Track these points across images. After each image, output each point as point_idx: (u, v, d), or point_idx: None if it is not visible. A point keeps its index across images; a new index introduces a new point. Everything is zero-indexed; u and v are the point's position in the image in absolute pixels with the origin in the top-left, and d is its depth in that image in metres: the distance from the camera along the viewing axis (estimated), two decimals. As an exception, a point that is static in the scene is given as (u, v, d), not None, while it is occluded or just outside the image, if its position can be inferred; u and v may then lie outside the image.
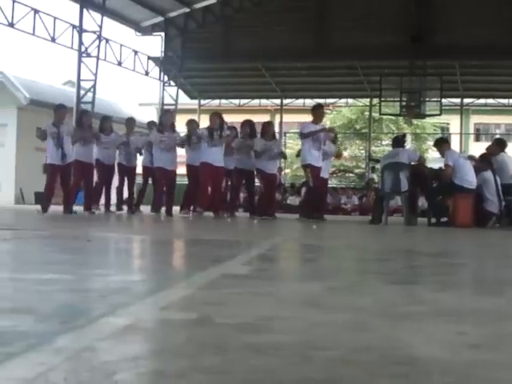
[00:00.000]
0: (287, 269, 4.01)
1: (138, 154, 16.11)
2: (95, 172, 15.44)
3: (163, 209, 14.98)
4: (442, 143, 13.83)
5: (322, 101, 25.87)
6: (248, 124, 15.38)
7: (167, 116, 15.88)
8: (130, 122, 16.73)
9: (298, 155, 14.86)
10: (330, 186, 25.54)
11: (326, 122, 36.90)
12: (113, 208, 16.08)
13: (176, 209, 15.08)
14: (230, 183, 15.43)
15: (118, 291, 2.54)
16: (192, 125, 15.45)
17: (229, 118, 15.60)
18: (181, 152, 15.82)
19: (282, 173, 27.85)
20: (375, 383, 1.35)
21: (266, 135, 15.09)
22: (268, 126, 15.54)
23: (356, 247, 6.61)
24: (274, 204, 15.68)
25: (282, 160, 21.40)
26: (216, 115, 14.70)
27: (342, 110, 39.42)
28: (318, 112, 14.22)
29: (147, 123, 17.23)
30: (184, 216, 14.35)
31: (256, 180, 15.60)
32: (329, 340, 1.73)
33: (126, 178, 16.17)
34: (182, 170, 15.77)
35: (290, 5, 24.67)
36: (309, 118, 14.35)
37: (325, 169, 14.43)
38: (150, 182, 16.45)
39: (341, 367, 1.44)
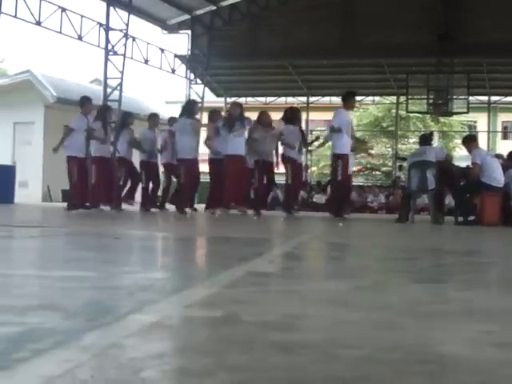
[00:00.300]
0: (313, 267, 4.01)
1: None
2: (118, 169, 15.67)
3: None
4: (470, 141, 13.75)
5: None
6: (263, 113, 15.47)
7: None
8: (154, 118, 16.77)
9: (322, 143, 14.72)
10: (356, 183, 25.51)
11: (353, 119, 36.94)
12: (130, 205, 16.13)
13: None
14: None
15: (144, 288, 2.55)
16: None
17: (255, 116, 15.53)
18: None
19: (308, 170, 27.79)
20: (402, 381, 1.35)
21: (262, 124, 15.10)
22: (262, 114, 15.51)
23: (382, 245, 6.59)
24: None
25: (308, 157, 21.33)
26: (237, 105, 14.78)
27: (368, 108, 39.31)
28: (349, 100, 14.14)
29: (168, 119, 17.22)
30: (211, 213, 14.31)
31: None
32: (355, 338, 1.72)
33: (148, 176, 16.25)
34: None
35: (316, 3, 24.62)
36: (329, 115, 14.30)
37: (351, 163, 14.32)
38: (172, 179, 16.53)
39: (367, 366, 1.44)
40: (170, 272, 3.44)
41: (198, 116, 16.50)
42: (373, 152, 36.22)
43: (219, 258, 4.51)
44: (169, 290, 2.64)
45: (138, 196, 16.53)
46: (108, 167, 15.14)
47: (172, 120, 16.44)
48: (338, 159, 13.47)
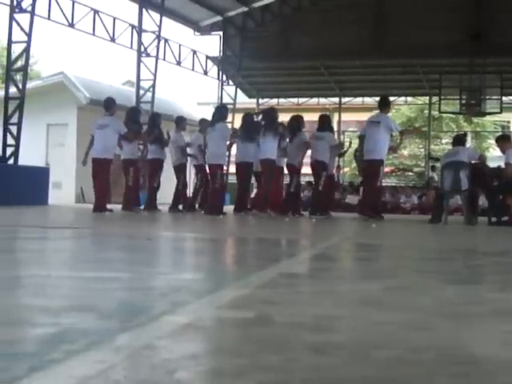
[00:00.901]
0: (345, 268, 4.00)
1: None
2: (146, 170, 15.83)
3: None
4: (504, 140, 13.63)
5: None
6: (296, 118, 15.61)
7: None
8: (182, 121, 16.79)
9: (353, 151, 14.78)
10: (389, 184, 25.41)
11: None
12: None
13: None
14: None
15: (176, 289, 2.56)
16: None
17: (287, 117, 15.64)
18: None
19: (341, 171, 27.72)
20: (434, 383, 1.35)
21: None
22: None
23: (415, 246, 6.56)
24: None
25: (340, 158, 21.39)
26: (275, 110, 15.12)
27: (401, 109, 39.10)
28: (386, 104, 14.21)
29: (199, 121, 17.19)
30: (243, 215, 14.40)
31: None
32: (388, 339, 1.72)
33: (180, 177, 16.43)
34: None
35: (347, 3, 24.54)
36: (367, 115, 14.35)
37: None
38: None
39: (400, 367, 1.44)
40: (202, 273, 3.45)
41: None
42: (404, 152, 36.14)
43: (251, 259, 4.52)
44: (201, 291, 2.65)
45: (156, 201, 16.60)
46: (138, 169, 15.33)
47: (203, 122, 16.43)
48: (379, 166, 13.53)
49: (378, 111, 14.41)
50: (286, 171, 15.47)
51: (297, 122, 15.40)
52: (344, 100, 31.30)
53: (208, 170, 15.43)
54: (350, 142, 18.60)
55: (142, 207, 15.76)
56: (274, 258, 4.23)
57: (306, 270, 3.41)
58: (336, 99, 31.33)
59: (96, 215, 12.49)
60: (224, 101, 27.31)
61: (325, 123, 15.37)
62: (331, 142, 15.16)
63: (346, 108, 31.90)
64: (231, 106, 25.99)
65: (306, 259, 4.44)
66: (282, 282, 2.96)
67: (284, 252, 5.29)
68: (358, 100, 31.99)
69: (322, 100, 33.07)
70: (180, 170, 16.38)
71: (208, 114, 17.54)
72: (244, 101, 30.82)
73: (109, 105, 14.62)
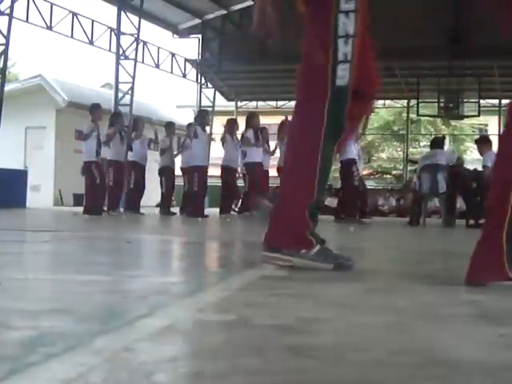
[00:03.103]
0: (326, 270, 4.00)
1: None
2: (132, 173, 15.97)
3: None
4: (484, 142, 13.69)
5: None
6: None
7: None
8: (171, 126, 17.21)
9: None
10: (367, 187, 25.47)
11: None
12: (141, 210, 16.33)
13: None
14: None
15: (156, 292, 2.55)
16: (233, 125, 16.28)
17: (266, 120, 15.89)
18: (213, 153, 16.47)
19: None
20: (414, 385, 1.35)
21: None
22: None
23: (394, 249, 6.58)
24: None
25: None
26: (257, 115, 15.50)
27: (379, 112, 39.23)
28: None
29: (186, 126, 17.40)
30: (226, 218, 14.66)
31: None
32: (367, 342, 1.72)
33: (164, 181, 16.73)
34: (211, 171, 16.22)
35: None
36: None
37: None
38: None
39: (379, 369, 1.44)
40: (182, 276, 3.44)
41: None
42: (382, 155, 36.25)
43: (232, 261, 4.52)
44: (181, 293, 2.64)
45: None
46: (122, 171, 15.60)
47: (190, 126, 16.70)
48: (351, 165, 13.69)
49: None
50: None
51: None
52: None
53: (188, 173, 15.70)
54: None
55: (122, 209, 15.89)
56: (255, 260, 4.23)
57: (287, 272, 3.41)
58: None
59: (74, 218, 12.48)
60: (203, 104, 27.38)
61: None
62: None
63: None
64: (210, 109, 26.01)
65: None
66: (262, 285, 2.96)
67: (263, 254, 5.29)
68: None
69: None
70: (162, 173, 16.70)
71: (187, 116, 17.70)
72: (223, 103, 30.84)
73: (90, 110, 14.85)
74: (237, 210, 16.93)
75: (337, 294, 2.74)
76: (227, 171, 15.93)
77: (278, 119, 17.77)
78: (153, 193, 20.06)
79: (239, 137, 16.17)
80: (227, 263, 4.43)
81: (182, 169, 16.88)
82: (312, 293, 2.72)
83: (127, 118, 19.84)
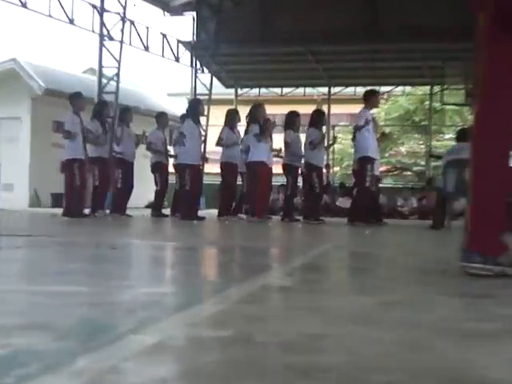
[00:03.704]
0: (336, 280, 4.00)
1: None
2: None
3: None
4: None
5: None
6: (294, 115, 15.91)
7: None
8: (163, 117, 17.21)
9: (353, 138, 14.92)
10: (384, 186, 25.44)
11: (380, 113, 36.80)
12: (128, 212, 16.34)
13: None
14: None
15: (145, 305, 2.55)
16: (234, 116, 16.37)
17: (270, 110, 15.87)
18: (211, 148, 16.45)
19: (331, 171, 27.72)
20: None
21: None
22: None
23: (414, 255, 6.57)
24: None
25: (330, 156, 21.62)
26: (263, 107, 15.50)
27: (398, 100, 39.21)
28: (371, 98, 14.38)
29: (180, 117, 17.38)
30: (226, 221, 14.75)
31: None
32: (385, 361, 1.72)
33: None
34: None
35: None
36: (359, 107, 14.45)
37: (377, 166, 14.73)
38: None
39: (398, 392, 1.44)
40: (174, 286, 3.44)
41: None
42: (402, 150, 36.20)
43: (230, 270, 4.52)
44: (173, 306, 2.64)
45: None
46: (106, 168, 15.59)
47: (183, 117, 16.64)
48: (366, 163, 13.71)
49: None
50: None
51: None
52: (334, 90, 31.27)
53: (179, 171, 15.68)
54: (335, 138, 19.41)
55: (108, 211, 15.95)
56: (257, 268, 4.23)
57: (293, 282, 3.42)
58: (325, 89, 31.30)
59: (52, 221, 12.50)
60: (198, 91, 27.28)
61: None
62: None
63: (336, 99, 31.87)
64: (206, 97, 25.90)
65: (293, 270, 4.44)
66: (265, 296, 2.96)
67: (268, 262, 5.29)
68: (350, 90, 31.91)
69: (309, 90, 33.04)
70: (155, 170, 16.72)
71: (180, 106, 17.71)
72: (221, 91, 30.76)
73: (74, 100, 14.79)
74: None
75: (349, 306, 2.74)
76: (227, 168, 15.94)
77: (284, 109, 17.80)
78: (141, 192, 20.08)
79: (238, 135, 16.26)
80: (225, 272, 4.43)
81: (173, 166, 16.91)
82: (321, 305, 2.72)
83: (112, 108, 19.81)
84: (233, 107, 23.07)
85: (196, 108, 15.46)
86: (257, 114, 15.39)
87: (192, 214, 14.40)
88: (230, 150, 15.83)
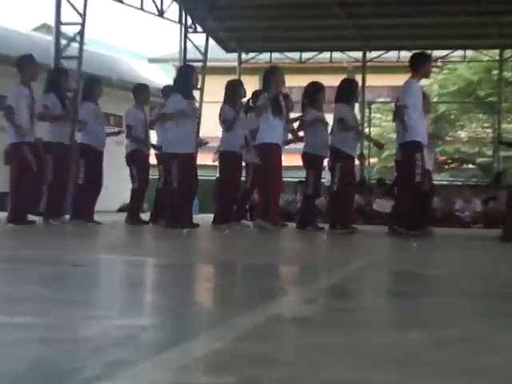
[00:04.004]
0: (372, 309, 4.01)
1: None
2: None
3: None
4: None
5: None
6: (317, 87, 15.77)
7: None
8: (142, 90, 16.93)
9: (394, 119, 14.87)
10: (438, 183, 25.41)
11: (433, 85, 36.74)
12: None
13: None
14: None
15: (118, 342, 2.56)
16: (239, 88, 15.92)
17: (287, 81, 15.64)
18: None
19: (366, 163, 27.60)
20: None
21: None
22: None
23: (478, 277, 6.58)
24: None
25: (365, 144, 21.52)
26: (280, 71, 15.24)
27: (456, 68, 39.12)
28: (421, 66, 14.21)
29: (162, 90, 17.27)
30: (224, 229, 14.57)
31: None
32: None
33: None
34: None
35: None
36: (404, 78, 14.33)
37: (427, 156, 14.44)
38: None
39: None
40: (157, 316, 3.45)
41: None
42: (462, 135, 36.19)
43: (231, 294, 4.53)
44: (155, 344, 2.65)
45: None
46: (66, 158, 15.29)
47: (167, 91, 16.46)
48: (414, 151, 13.53)
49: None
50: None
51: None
52: (370, 55, 31.06)
53: (165, 163, 15.48)
54: (380, 144, 19.00)
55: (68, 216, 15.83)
56: (266, 293, 4.25)
57: (313, 311, 3.43)
58: (358, 54, 31.14)
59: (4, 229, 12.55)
60: (189, 56, 27.19)
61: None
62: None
63: (374, 67, 31.73)
64: (200, 64, 25.85)
65: (313, 295, 4.46)
66: (277, 331, 2.97)
67: (280, 284, 5.29)
68: (392, 55, 31.65)
69: (337, 55, 32.84)
70: (132, 161, 16.43)
71: (164, 76, 17.58)
72: (219, 56, 30.69)
73: (23, 67, 14.67)
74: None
75: (391, 345, 2.74)
76: (227, 159, 15.68)
77: (303, 80, 17.66)
78: (113, 192, 20.05)
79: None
80: (224, 298, 4.44)
81: (156, 155, 16.74)
82: (352, 343, 2.72)
83: (74, 78, 19.80)
84: (235, 77, 22.99)
85: (187, 78, 15.13)
86: (271, 80, 15.02)
87: (181, 221, 14.32)
88: (231, 135, 15.50)
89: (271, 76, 14.99)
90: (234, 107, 15.48)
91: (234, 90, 15.75)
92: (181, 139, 14.49)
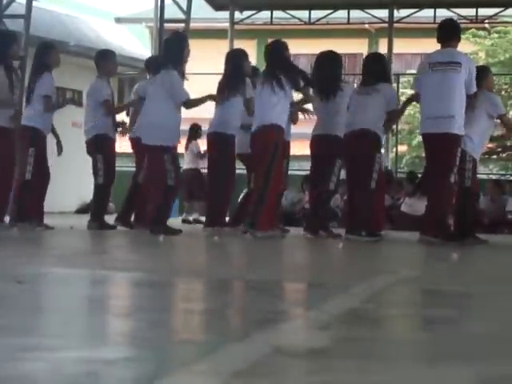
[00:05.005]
0: (400, 339, 4.01)
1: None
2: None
3: None
4: None
5: (467, 12, 25.33)
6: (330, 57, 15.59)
7: None
8: (108, 58, 16.74)
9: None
10: (483, 177, 25.50)
11: (479, 53, 36.84)
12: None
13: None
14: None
15: (73, 381, 2.56)
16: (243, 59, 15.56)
17: (290, 48, 15.49)
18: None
19: (390, 154, 27.57)
20: None
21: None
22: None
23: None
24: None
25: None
26: (285, 44, 14.85)
27: (509, 32, 39.14)
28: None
29: (145, 62, 17.20)
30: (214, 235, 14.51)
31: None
32: None
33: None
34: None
35: None
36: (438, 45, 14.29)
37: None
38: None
39: None
40: (128, 348, 3.45)
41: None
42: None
43: (223, 320, 4.53)
44: (125, 382, 2.65)
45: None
46: (10, 145, 15.18)
47: (150, 62, 16.39)
48: (457, 145, 13.43)
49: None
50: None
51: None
52: (398, 14, 30.82)
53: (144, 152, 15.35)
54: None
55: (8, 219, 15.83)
56: (266, 317, 4.25)
57: (327, 341, 3.43)
58: (383, 13, 30.88)
59: None
60: (167, 15, 27.15)
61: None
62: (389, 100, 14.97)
63: (403, 30, 31.61)
64: (182, 25, 25.83)
65: (327, 320, 4.46)
66: (280, 366, 2.98)
67: (285, 306, 5.30)
68: (426, 14, 31.36)
69: (357, 15, 32.57)
70: (96, 149, 16.31)
71: (137, 41, 17.45)
72: (207, 16, 30.68)
73: None
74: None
75: (427, 383, 2.74)
76: (218, 143, 15.43)
77: (313, 46, 17.69)
78: (69, 188, 20.07)
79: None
80: (213, 323, 4.44)
81: (132, 140, 16.52)
82: (377, 380, 2.72)
83: (21, 43, 19.81)
84: (226, 42, 22.96)
85: (179, 50, 14.90)
86: (281, 53, 14.69)
87: (158, 224, 14.34)
88: (224, 113, 15.23)
89: (277, 49, 14.79)
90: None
91: (236, 60, 15.41)
92: (171, 130, 14.29)
